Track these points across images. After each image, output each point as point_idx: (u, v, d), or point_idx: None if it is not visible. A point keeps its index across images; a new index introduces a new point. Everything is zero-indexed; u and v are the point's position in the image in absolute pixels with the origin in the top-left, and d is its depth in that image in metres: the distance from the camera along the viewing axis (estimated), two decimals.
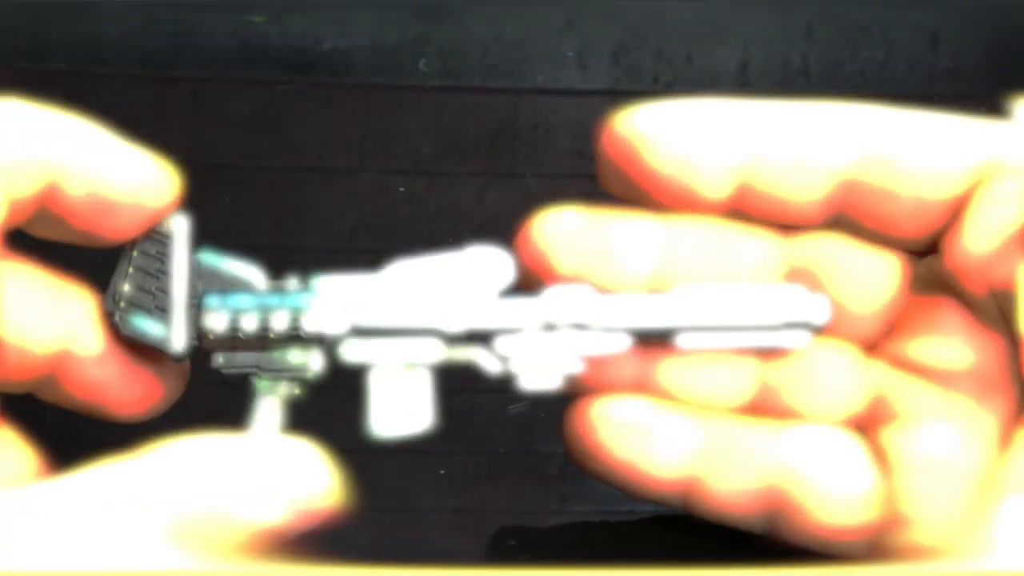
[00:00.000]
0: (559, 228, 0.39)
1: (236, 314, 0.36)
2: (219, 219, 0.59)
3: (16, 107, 0.33)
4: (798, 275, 0.40)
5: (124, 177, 0.34)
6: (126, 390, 0.37)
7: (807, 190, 0.38)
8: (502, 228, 0.63)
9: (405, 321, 0.36)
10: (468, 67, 0.69)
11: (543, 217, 0.40)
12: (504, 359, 0.37)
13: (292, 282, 0.37)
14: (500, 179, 0.62)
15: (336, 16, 0.68)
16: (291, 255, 0.57)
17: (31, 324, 0.35)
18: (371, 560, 0.42)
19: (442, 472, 0.45)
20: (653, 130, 0.37)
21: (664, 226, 0.39)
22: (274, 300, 0.36)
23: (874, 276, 0.39)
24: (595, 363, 0.39)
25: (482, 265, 0.38)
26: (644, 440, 0.39)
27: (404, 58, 0.68)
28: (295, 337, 0.36)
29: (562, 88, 0.68)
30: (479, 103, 0.67)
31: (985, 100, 0.70)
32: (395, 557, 0.42)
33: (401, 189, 0.61)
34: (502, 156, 0.63)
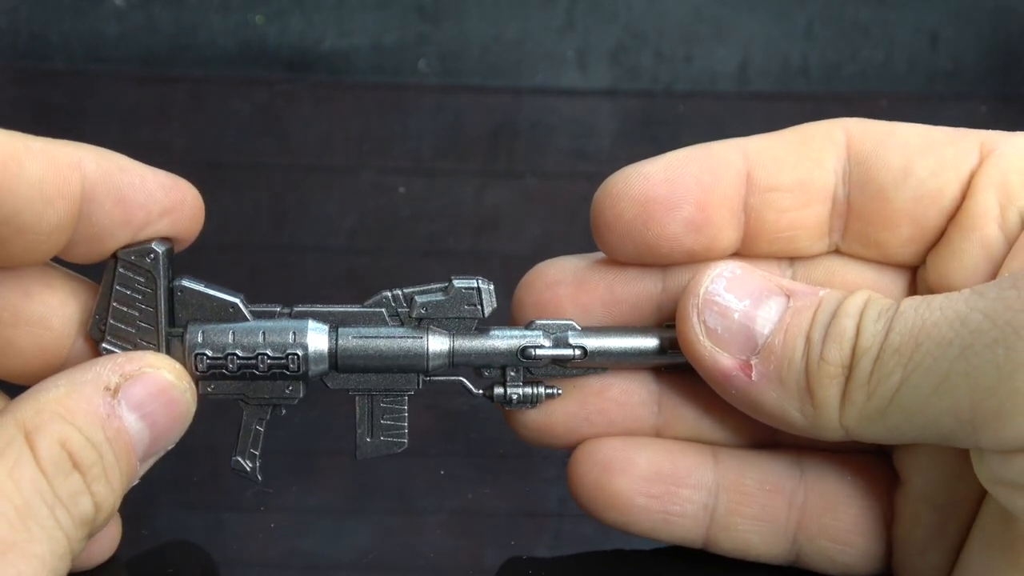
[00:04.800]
0: (558, 281, 0.38)
1: (221, 350, 0.35)
2: (219, 219, 0.59)
3: None
4: None
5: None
6: None
7: (809, 218, 0.37)
8: (501, 227, 0.64)
9: (389, 354, 0.36)
10: (468, 67, 0.69)
11: (542, 269, 0.38)
12: (488, 384, 0.37)
13: (275, 309, 0.36)
14: (499, 178, 0.62)
15: (336, 16, 0.68)
16: (291, 255, 0.57)
17: (50, 320, 0.35)
18: (371, 560, 0.42)
19: (442, 472, 0.45)
20: (663, 193, 0.36)
21: (667, 274, 0.38)
22: (259, 334, 0.35)
23: (880, 291, 0.39)
24: (601, 410, 0.39)
25: (466, 296, 0.37)
26: (664, 484, 0.38)
27: (404, 58, 0.68)
28: (281, 372, 0.35)
29: (561, 88, 0.68)
30: (479, 103, 0.67)
31: (985, 100, 0.71)
32: (395, 557, 0.42)
33: (401, 189, 0.61)
34: (501, 156, 0.63)
